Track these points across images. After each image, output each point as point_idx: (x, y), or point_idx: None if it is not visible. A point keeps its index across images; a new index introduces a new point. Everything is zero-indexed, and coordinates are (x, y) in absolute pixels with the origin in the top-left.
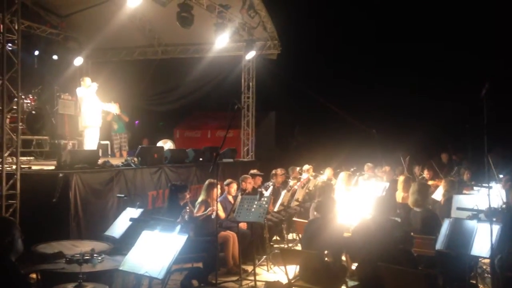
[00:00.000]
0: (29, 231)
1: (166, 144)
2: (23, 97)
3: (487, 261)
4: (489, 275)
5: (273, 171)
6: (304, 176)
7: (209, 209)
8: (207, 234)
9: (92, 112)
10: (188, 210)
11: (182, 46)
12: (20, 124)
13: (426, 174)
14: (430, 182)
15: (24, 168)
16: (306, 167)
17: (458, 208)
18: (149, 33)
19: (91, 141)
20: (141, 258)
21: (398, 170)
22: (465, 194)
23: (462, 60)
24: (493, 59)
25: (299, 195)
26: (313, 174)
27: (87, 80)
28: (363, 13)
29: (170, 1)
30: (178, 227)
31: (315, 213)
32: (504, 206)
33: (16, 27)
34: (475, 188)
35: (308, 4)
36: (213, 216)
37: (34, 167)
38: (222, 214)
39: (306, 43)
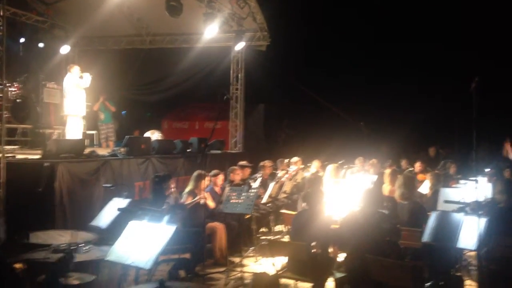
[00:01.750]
0: (14, 221)
1: (154, 135)
2: (8, 85)
3: (472, 254)
4: (474, 268)
5: (261, 163)
6: (293, 168)
7: (198, 196)
8: (194, 225)
9: (77, 102)
10: (172, 197)
11: (171, 36)
12: (5, 112)
13: (418, 166)
14: (419, 176)
15: (8, 157)
16: (294, 159)
17: (445, 201)
18: (137, 22)
19: (73, 131)
20: (128, 249)
21: (386, 163)
22: (452, 187)
23: (451, 55)
24: (482, 54)
25: (287, 187)
26: (302, 166)
27: (75, 68)
28: (353, 7)
29: None
30: (166, 218)
31: (303, 204)
32: (489, 199)
33: (1, 14)
34: (461, 181)
35: None
36: (202, 202)
37: (18, 156)
38: (211, 204)
39: (295, 35)
